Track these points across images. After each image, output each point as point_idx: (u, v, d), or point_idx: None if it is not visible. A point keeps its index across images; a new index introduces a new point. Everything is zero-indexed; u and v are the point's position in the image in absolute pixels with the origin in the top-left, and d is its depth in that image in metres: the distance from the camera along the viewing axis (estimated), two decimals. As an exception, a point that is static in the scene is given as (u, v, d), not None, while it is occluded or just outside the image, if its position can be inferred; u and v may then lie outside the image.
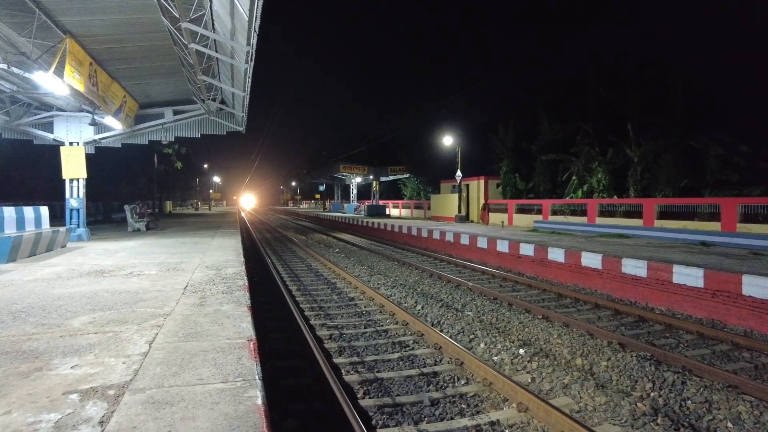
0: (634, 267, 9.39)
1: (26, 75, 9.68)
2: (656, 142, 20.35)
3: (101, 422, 2.54)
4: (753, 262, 9.15)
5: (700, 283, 8.09)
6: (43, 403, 2.78)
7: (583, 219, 19.16)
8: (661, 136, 20.35)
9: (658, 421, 4.22)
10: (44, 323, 4.55)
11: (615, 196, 21.38)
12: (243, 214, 54.17)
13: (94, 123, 13.37)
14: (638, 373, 5.28)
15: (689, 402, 4.62)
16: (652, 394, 4.80)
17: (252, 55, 9.68)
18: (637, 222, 16.62)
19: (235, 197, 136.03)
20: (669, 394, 4.80)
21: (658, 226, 15.61)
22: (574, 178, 23.95)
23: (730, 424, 4.19)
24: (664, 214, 16.01)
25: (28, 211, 10.67)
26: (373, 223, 27.61)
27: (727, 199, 14.93)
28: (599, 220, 18.33)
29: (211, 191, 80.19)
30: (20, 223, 10.18)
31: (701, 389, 4.84)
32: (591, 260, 10.45)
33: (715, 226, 14.09)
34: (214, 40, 10.10)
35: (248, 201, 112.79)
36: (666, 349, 6.16)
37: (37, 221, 11.01)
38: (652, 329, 7.30)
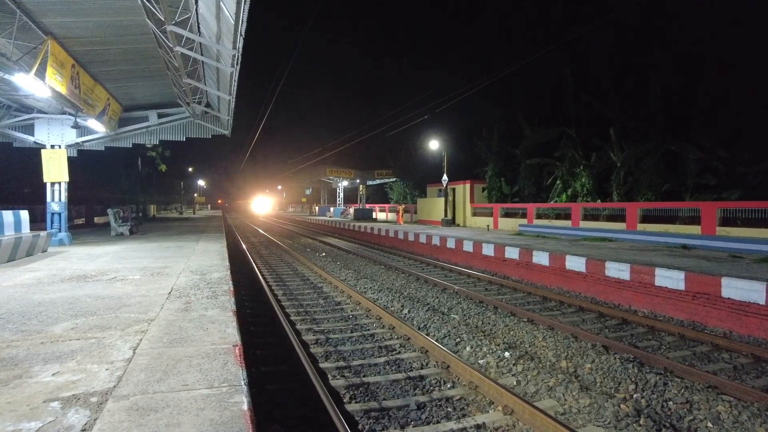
0: (617, 270, 9.54)
1: (6, 76, 9.50)
2: (638, 147, 20.72)
3: (84, 430, 2.50)
4: (732, 264, 9.36)
5: (682, 286, 8.24)
6: (22, 412, 2.72)
7: (568, 222, 19.41)
8: (643, 141, 20.74)
9: (641, 422, 4.30)
10: (24, 330, 4.46)
11: (598, 200, 21.69)
12: (228, 219, 53.68)
13: (76, 126, 13.16)
14: (621, 375, 5.36)
15: (671, 403, 4.70)
16: (635, 396, 4.88)
17: (238, 59, 9.65)
18: (620, 225, 16.89)
19: (219, 201, 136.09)
20: (651, 395, 4.88)
21: (641, 229, 15.89)
22: (558, 182, 24.22)
23: (710, 424, 4.28)
24: (647, 217, 16.32)
25: (8, 215, 10.43)
26: (359, 226, 27.58)
27: (707, 203, 15.25)
28: (583, 224, 18.58)
29: (195, 195, 79.40)
30: (-1, 227, 9.96)
31: (682, 390, 4.94)
32: (575, 263, 10.59)
33: (695, 229, 14.40)
34: (200, 44, 10.03)
35: (240, 205, 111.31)
36: (648, 351, 6.27)
37: (17, 225, 10.78)
38: (635, 331, 7.42)
